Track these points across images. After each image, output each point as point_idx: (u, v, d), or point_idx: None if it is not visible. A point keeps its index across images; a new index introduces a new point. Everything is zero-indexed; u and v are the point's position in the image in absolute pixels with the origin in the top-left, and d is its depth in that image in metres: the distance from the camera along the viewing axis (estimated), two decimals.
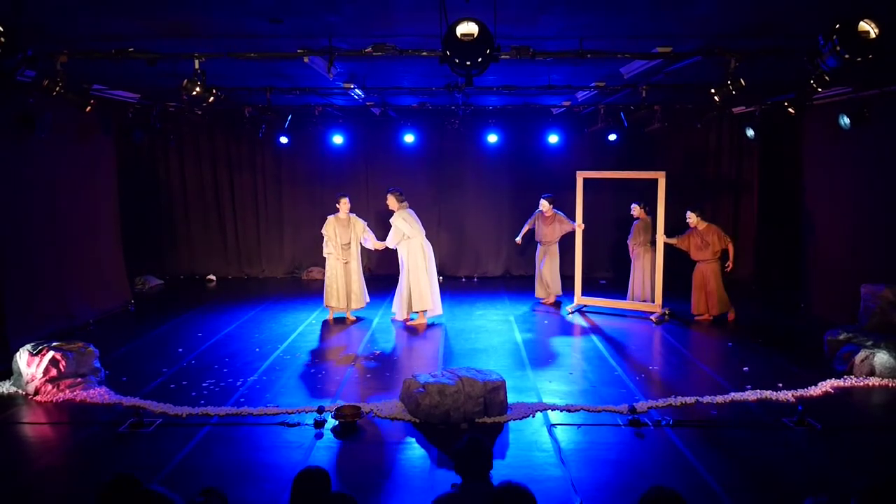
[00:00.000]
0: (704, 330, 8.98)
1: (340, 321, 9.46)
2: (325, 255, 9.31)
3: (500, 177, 12.64)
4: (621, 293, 10.45)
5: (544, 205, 10.27)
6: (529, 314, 9.93)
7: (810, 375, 6.80)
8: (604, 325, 9.22)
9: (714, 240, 9.05)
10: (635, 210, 10.02)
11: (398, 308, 9.28)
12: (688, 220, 9.28)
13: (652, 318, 9.38)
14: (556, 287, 10.45)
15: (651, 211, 9.87)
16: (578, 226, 9.96)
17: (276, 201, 12.98)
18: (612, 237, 12.24)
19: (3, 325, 7.39)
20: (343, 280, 9.27)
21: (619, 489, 4.62)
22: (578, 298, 10.11)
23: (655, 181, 9.34)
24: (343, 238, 9.24)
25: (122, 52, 5.75)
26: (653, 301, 9.63)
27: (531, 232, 10.52)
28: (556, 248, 10.36)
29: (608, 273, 12.65)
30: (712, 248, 9.04)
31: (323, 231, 9.29)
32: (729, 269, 9.12)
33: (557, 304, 10.41)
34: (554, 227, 10.26)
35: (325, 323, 9.42)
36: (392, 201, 9.17)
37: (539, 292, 10.55)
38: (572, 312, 9.89)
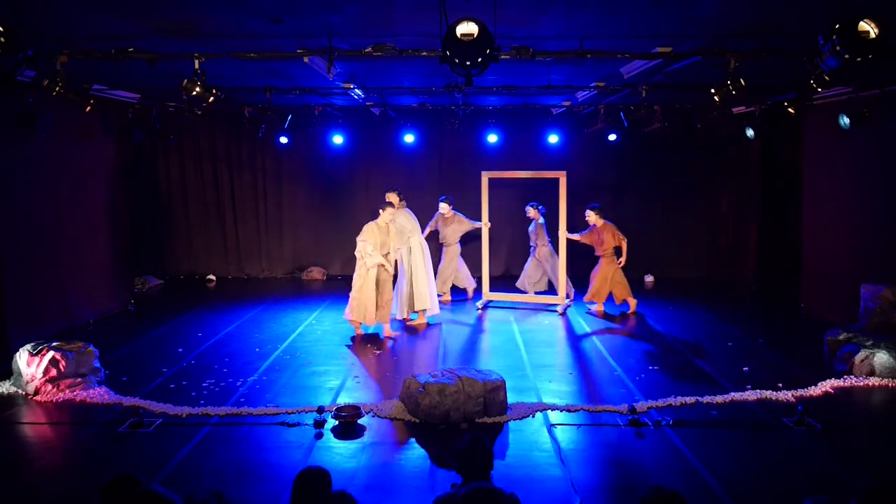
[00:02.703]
0: (698, 329, 8.98)
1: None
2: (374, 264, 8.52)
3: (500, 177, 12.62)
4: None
5: (444, 207, 10.46)
6: (526, 314, 9.92)
7: (810, 375, 6.80)
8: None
9: (608, 237, 9.62)
10: (530, 212, 10.51)
11: (398, 307, 9.27)
12: (587, 219, 9.83)
13: (558, 309, 9.90)
14: (446, 287, 10.65)
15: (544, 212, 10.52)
16: (484, 224, 10.21)
17: (276, 201, 12.98)
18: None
19: (3, 325, 7.39)
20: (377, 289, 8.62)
21: (619, 489, 4.62)
22: (486, 294, 10.36)
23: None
24: (383, 247, 8.56)
25: (122, 52, 5.75)
26: (555, 293, 10.25)
27: (435, 234, 10.68)
28: (457, 248, 10.60)
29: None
30: (606, 245, 9.62)
31: (365, 239, 8.47)
32: (621, 265, 9.68)
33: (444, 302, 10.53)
34: (454, 228, 10.48)
35: (331, 323, 9.40)
36: (395, 200, 9.15)
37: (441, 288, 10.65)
38: (482, 308, 10.16)
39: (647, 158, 12.50)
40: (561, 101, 10.66)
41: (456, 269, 10.76)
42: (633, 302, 9.85)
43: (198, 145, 12.67)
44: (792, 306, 10.02)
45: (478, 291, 10.74)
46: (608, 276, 9.66)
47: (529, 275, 10.83)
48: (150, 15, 5.25)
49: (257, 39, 5.95)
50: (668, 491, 2.64)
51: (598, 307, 9.91)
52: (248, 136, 12.22)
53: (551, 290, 10.53)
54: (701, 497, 4.46)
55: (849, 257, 8.80)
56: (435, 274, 9.75)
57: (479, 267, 10.69)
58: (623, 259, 9.68)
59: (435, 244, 10.58)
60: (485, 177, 10.13)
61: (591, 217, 9.76)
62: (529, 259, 10.86)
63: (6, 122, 7.34)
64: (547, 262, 10.55)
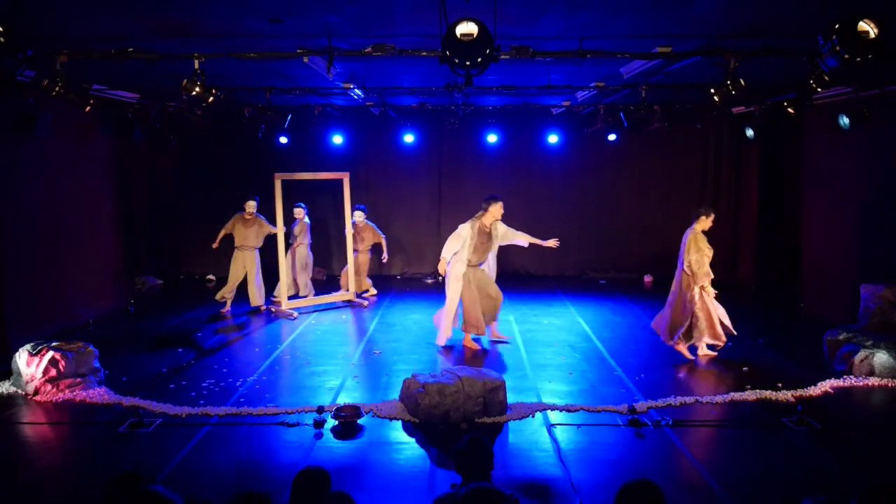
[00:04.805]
0: None
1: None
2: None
3: (499, 177, 12.63)
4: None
5: (251, 206, 9.94)
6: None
7: (810, 375, 6.80)
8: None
9: (368, 235, 10.79)
10: (296, 212, 10.62)
11: (475, 324, 8.02)
12: (354, 218, 10.62)
13: (364, 302, 10.56)
14: (258, 294, 10.10)
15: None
16: (279, 229, 9.82)
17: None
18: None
19: (3, 325, 7.39)
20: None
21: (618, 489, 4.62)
22: (285, 303, 9.90)
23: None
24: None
25: (122, 52, 5.75)
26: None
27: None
28: (256, 254, 10.02)
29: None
30: (366, 242, 10.80)
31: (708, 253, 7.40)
32: (385, 260, 10.99)
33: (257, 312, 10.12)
34: (256, 231, 9.94)
35: (331, 323, 9.41)
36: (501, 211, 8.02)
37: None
38: (274, 311, 9.99)
39: (646, 158, 12.51)
40: (561, 101, 10.66)
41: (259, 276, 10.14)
42: (372, 291, 11.15)
43: (198, 145, 12.66)
44: (792, 306, 10.02)
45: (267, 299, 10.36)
46: (367, 268, 10.89)
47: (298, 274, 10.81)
48: (150, 15, 5.25)
49: (257, 39, 5.94)
50: (641, 484, 2.70)
51: (347, 289, 10.77)
52: (248, 136, 12.19)
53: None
54: (701, 497, 4.46)
55: (849, 257, 8.80)
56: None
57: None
58: (385, 256, 10.85)
59: (228, 246, 10.11)
60: (277, 179, 9.81)
61: (357, 217, 10.65)
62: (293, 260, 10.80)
63: (6, 122, 7.33)
64: (300, 261, 10.63)
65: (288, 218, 10.43)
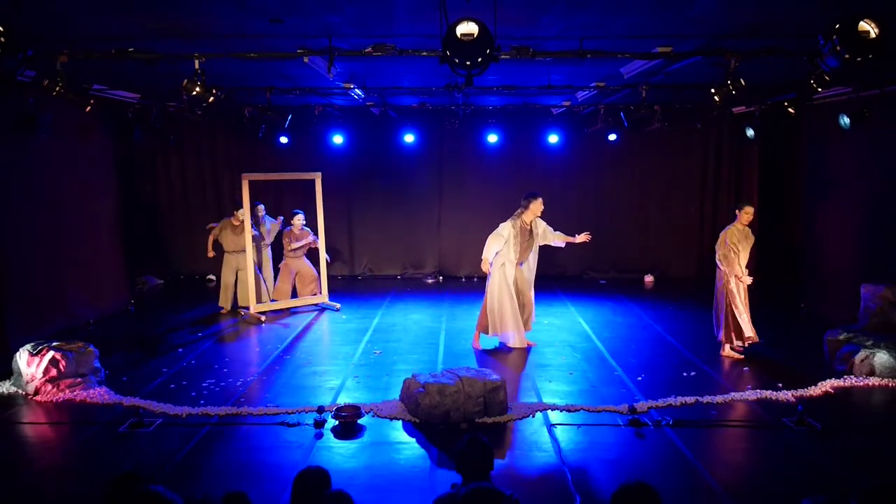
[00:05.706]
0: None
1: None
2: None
3: (500, 177, 12.63)
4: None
5: (242, 212, 9.73)
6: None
7: (810, 375, 6.80)
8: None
9: (305, 240, 10.57)
10: (260, 210, 10.52)
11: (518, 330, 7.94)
12: (297, 222, 10.49)
13: (336, 305, 10.28)
14: (226, 299, 10.10)
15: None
16: (247, 231, 9.65)
17: (276, 201, 12.95)
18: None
19: (3, 324, 7.39)
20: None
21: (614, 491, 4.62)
22: (254, 306, 9.60)
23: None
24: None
25: (122, 52, 5.75)
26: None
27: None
28: (243, 256, 9.90)
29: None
30: (303, 248, 10.57)
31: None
32: (329, 262, 10.78)
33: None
34: (244, 236, 9.72)
35: (331, 323, 9.41)
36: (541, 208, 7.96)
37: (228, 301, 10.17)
38: (242, 315, 9.78)
39: (646, 158, 12.51)
40: (561, 101, 10.66)
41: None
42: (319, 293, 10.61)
43: (198, 145, 12.66)
44: (792, 306, 10.02)
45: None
46: (298, 271, 10.58)
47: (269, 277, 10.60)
48: (150, 15, 5.25)
49: (257, 39, 5.95)
50: (637, 486, 2.70)
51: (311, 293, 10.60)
52: (248, 136, 12.20)
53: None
54: (701, 497, 4.46)
55: (849, 257, 8.80)
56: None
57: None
58: (326, 256, 10.59)
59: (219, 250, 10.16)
60: (245, 179, 9.61)
61: (296, 221, 10.47)
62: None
63: (6, 122, 7.33)
64: (269, 263, 10.47)
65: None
